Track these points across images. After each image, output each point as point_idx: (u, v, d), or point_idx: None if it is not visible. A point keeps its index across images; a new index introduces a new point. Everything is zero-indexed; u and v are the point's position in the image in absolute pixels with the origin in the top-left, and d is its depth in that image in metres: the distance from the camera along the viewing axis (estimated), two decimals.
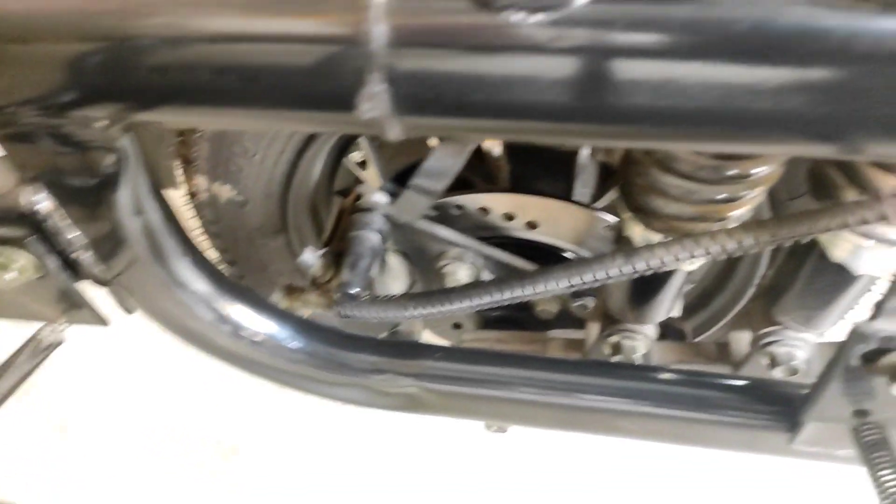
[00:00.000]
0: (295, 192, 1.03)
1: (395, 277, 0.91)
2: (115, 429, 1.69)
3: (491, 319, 0.97)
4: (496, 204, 0.87)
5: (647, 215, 0.64)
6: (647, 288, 0.71)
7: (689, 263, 0.67)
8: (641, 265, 0.58)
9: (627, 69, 0.38)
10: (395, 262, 0.91)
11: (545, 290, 0.64)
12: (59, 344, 0.68)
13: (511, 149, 0.92)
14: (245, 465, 1.63)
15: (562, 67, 0.39)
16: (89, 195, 0.57)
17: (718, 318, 0.98)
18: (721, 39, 0.37)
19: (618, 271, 0.60)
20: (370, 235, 0.83)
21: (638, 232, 0.66)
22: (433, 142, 0.75)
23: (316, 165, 1.03)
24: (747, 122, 0.40)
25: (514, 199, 0.86)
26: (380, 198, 0.87)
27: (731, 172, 0.58)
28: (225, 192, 1.01)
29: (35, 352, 0.69)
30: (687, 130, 0.41)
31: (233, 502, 1.57)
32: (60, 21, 0.43)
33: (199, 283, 0.65)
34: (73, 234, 0.60)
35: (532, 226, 0.88)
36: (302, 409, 1.67)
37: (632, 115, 0.41)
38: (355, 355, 0.69)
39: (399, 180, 1.01)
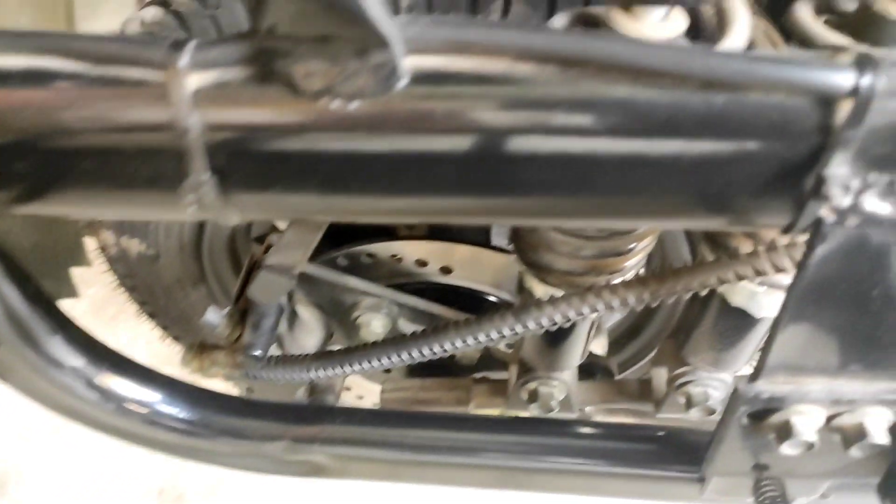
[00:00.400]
0: (209, 241, 1.00)
1: (309, 332, 0.88)
2: (54, 480, 1.64)
3: (415, 367, 0.94)
4: (407, 251, 0.85)
5: (540, 270, 0.62)
6: (555, 337, 0.69)
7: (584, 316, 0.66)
8: (531, 323, 0.57)
9: (447, 147, 0.36)
10: (308, 315, 0.88)
11: (441, 350, 0.63)
12: None
13: None
14: None
15: (385, 147, 0.37)
16: None
17: (644, 354, 0.97)
18: (546, 116, 0.35)
19: (509, 330, 0.58)
20: None
21: (536, 285, 0.65)
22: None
23: None
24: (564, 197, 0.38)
25: (424, 247, 0.84)
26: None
27: (615, 228, 0.56)
28: (134, 245, 0.97)
29: None
30: (518, 207, 0.39)
31: None
32: None
33: (74, 360, 0.62)
34: None
35: (446, 271, 0.86)
36: None
37: (467, 191, 0.39)
38: (249, 422, 0.67)
39: None
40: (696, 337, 0.70)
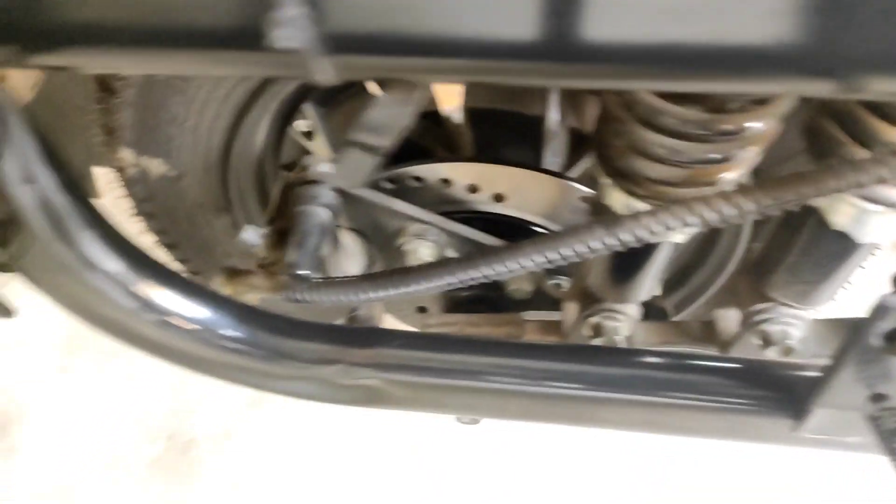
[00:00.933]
0: (236, 164, 0.93)
1: (351, 257, 0.82)
2: (59, 422, 1.59)
3: (459, 301, 0.89)
4: (458, 174, 0.79)
5: (628, 180, 0.56)
6: (629, 263, 0.63)
7: (678, 234, 0.60)
8: (626, 236, 0.51)
9: None
10: (350, 241, 0.82)
11: (519, 267, 0.56)
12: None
13: (473, 114, 0.83)
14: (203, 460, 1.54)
15: None
16: None
17: (698, 295, 0.92)
18: None
19: (599, 244, 0.52)
20: (318, 210, 0.74)
21: (619, 199, 0.59)
22: (374, 89, 0.66)
23: (258, 134, 0.93)
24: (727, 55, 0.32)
25: (478, 169, 0.78)
26: (327, 169, 0.78)
27: (722, 128, 0.50)
28: (155, 165, 0.91)
29: None
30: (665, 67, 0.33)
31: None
32: None
33: (112, 263, 0.56)
34: None
35: (499, 198, 0.80)
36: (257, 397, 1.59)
37: (599, 49, 0.32)
38: (303, 344, 0.61)
39: None
40: (782, 268, 0.65)
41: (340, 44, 0.34)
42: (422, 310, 1.00)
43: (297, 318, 0.64)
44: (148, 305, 0.58)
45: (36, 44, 0.37)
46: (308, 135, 0.90)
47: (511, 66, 0.35)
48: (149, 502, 1.50)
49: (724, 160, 0.52)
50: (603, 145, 0.58)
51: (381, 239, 0.82)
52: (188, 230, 1.01)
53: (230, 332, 0.60)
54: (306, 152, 0.98)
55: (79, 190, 0.52)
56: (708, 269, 0.92)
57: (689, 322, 0.80)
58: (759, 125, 0.50)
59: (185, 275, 0.62)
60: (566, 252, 0.53)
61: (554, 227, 0.83)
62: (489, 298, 0.88)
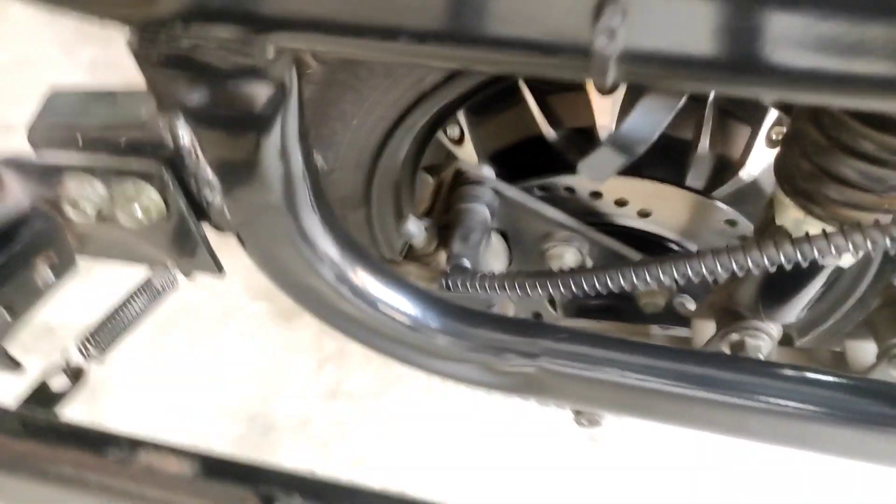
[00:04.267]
0: (384, 165, 0.99)
1: (496, 255, 0.86)
2: (144, 396, 1.66)
3: (585, 307, 0.93)
4: (609, 188, 0.83)
5: (809, 200, 0.60)
6: (789, 282, 0.66)
7: (846, 258, 0.64)
8: (803, 254, 0.54)
9: None
10: (496, 240, 0.87)
11: (707, 272, 0.60)
12: (173, 288, 0.64)
13: None
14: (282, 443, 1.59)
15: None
16: (235, 133, 0.53)
17: (821, 322, 0.93)
18: None
19: (779, 257, 0.55)
20: (481, 209, 0.79)
21: (793, 217, 0.62)
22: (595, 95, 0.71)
23: (408, 138, 0.99)
24: None
25: (629, 184, 0.82)
26: (488, 171, 0.84)
27: None
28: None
29: (150, 295, 0.65)
30: None
31: None
32: None
33: (325, 241, 0.61)
34: (207, 174, 0.56)
35: (644, 214, 0.84)
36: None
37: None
38: (482, 332, 0.65)
39: (494, 160, 0.98)
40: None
41: (629, 56, 0.39)
42: (536, 315, 1.04)
43: (469, 307, 0.69)
44: (347, 282, 0.63)
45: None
46: (457, 141, 0.96)
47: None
48: None
49: None
50: (787, 164, 0.61)
51: (524, 242, 0.87)
52: None
53: (415, 314, 0.65)
54: (450, 157, 1.03)
55: (316, 174, 0.58)
56: (827, 301, 0.94)
57: (819, 350, 0.82)
58: None
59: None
60: (761, 261, 0.56)
61: (691, 247, 0.86)
62: (616, 308, 0.92)
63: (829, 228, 0.59)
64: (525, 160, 0.93)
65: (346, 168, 0.98)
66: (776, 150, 0.73)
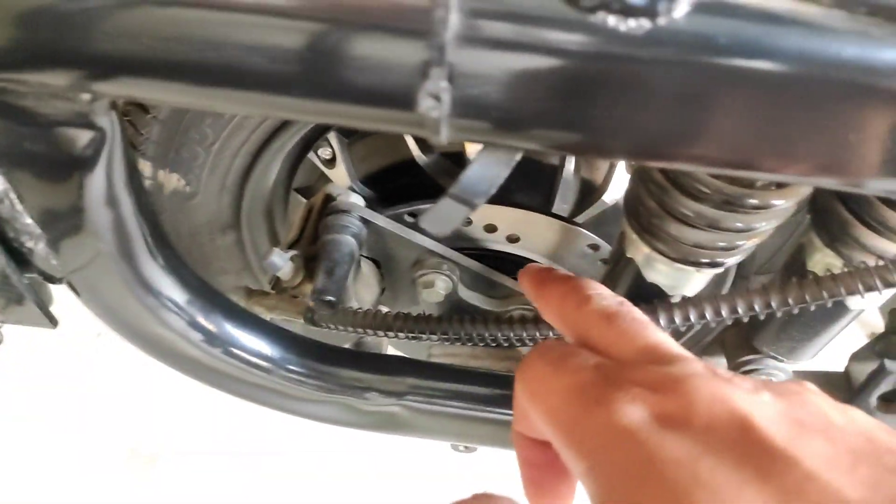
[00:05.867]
0: (252, 188, 0.95)
1: (367, 285, 0.85)
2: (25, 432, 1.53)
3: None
4: (478, 215, 0.83)
5: (654, 238, 0.62)
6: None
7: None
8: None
9: (721, 74, 0.35)
10: (366, 269, 0.85)
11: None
12: None
13: None
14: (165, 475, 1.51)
15: (653, 71, 0.36)
16: (55, 179, 0.49)
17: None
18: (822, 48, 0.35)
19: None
20: (348, 240, 0.77)
21: (642, 253, 0.64)
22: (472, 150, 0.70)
23: (278, 159, 0.96)
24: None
25: (496, 211, 0.82)
26: (357, 199, 0.82)
27: (751, 202, 0.56)
28: (172, 181, 0.92)
29: None
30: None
31: None
32: None
33: (168, 287, 0.57)
34: (26, 223, 0.51)
35: (513, 239, 0.85)
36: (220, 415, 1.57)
37: (719, 136, 0.38)
38: (341, 371, 0.64)
39: (367, 183, 0.96)
40: (772, 326, 0.72)
41: (464, 113, 0.38)
42: (415, 338, 1.04)
43: (332, 345, 0.67)
44: (196, 327, 0.60)
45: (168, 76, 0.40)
46: (329, 162, 0.93)
47: (626, 147, 0.40)
48: None
49: (748, 230, 0.59)
50: (634, 202, 0.63)
51: (396, 270, 0.86)
52: (189, 245, 1.02)
53: (272, 356, 0.63)
54: (322, 179, 1.01)
55: (152, 216, 0.54)
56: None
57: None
58: (782, 203, 0.56)
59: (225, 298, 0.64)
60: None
61: (560, 269, 0.88)
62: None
63: (673, 266, 0.62)
64: (400, 184, 0.92)
65: (209, 192, 0.93)
66: None
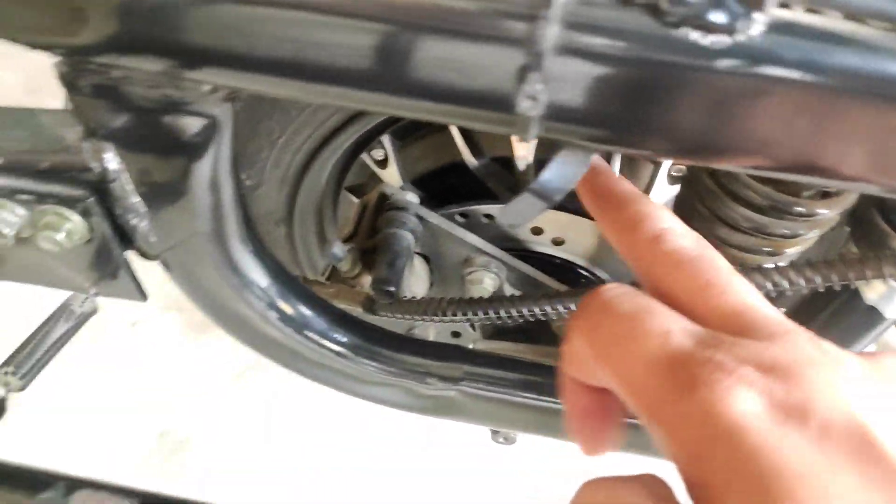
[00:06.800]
0: (308, 184, 1.00)
1: (418, 278, 0.89)
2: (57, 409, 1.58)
3: (503, 330, 0.97)
4: None
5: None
6: None
7: None
8: None
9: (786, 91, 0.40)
10: (418, 264, 0.90)
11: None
12: (92, 313, 0.63)
13: (539, 164, 0.93)
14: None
15: (724, 95, 0.40)
16: (166, 162, 0.54)
17: None
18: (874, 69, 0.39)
19: None
20: (405, 234, 0.81)
21: None
22: (520, 149, 0.75)
23: (333, 158, 1.01)
24: None
25: (546, 214, 0.86)
26: (412, 197, 0.86)
27: (797, 209, 0.61)
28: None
29: (68, 320, 0.63)
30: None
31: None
32: None
33: (252, 269, 0.62)
34: (134, 201, 0.56)
35: (558, 242, 0.89)
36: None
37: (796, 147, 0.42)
38: (405, 357, 0.68)
39: (416, 184, 1.01)
40: (812, 327, 0.75)
41: (554, 114, 0.43)
42: (455, 335, 1.08)
43: (393, 331, 0.71)
44: (275, 308, 0.64)
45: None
46: (381, 163, 0.98)
47: (702, 152, 0.44)
48: None
49: (793, 236, 0.63)
50: (685, 206, 0.67)
51: (445, 266, 0.90)
52: None
53: (341, 339, 0.67)
54: (373, 179, 1.05)
55: (245, 204, 0.59)
56: None
57: None
58: (826, 212, 0.60)
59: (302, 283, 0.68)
60: None
61: (602, 273, 0.92)
62: (531, 330, 0.97)
63: None
64: (447, 186, 0.97)
65: (270, 185, 0.98)
66: (676, 186, 0.79)
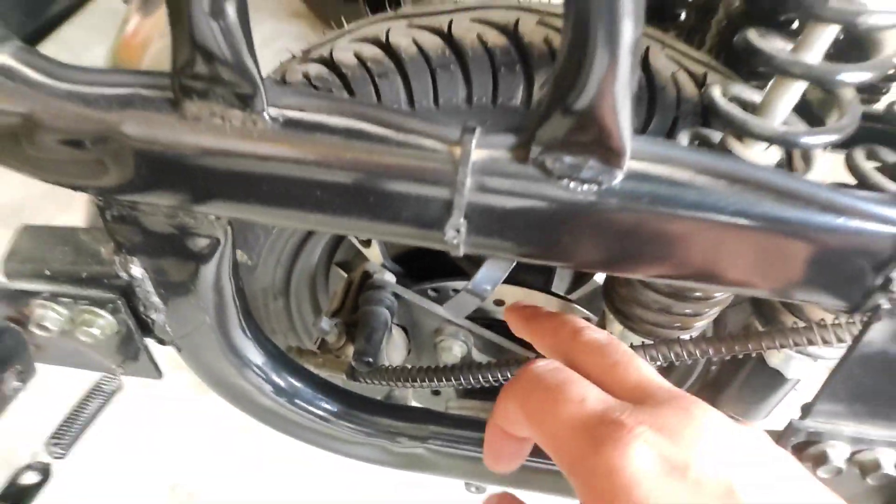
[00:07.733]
0: (301, 263, 1.14)
1: (396, 347, 1.02)
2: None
3: (474, 390, 1.09)
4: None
5: (627, 319, 0.79)
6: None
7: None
8: None
9: (652, 234, 0.53)
10: (396, 334, 1.03)
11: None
12: (119, 390, 0.76)
13: None
14: None
15: (596, 225, 0.53)
16: (180, 270, 0.67)
17: None
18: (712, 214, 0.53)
19: None
20: (382, 311, 0.94)
21: (618, 330, 0.81)
22: None
23: (322, 241, 1.15)
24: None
25: (506, 289, 0.99)
26: (390, 277, 1.00)
27: (697, 295, 0.74)
28: (238, 255, 1.11)
29: (101, 396, 0.76)
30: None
31: None
32: None
33: (251, 351, 0.75)
34: (153, 300, 0.70)
35: None
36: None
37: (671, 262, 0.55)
38: (378, 418, 0.80)
39: (397, 261, 1.14)
40: (730, 390, 0.88)
41: (475, 239, 0.56)
42: (436, 393, 1.20)
43: (368, 397, 0.84)
44: (270, 383, 0.77)
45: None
46: (365, 243, 1.12)
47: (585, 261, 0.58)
48: None
49: (696, 315, 0.75)
50: (610, 288, 0.80)
51: (420, 336, 1.03)
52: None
53: (328, 407, 0.80)
54: (359, 256, 1.19)
55: (244, 297, 0.72)
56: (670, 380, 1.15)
57: None
58: (720, 295, 0.73)
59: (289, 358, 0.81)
60: None
61: None
62: (500, 388, 1.09)
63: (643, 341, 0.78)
64: (422, 263, 1.10)
65: (267, 265, 1.12)
66: None
